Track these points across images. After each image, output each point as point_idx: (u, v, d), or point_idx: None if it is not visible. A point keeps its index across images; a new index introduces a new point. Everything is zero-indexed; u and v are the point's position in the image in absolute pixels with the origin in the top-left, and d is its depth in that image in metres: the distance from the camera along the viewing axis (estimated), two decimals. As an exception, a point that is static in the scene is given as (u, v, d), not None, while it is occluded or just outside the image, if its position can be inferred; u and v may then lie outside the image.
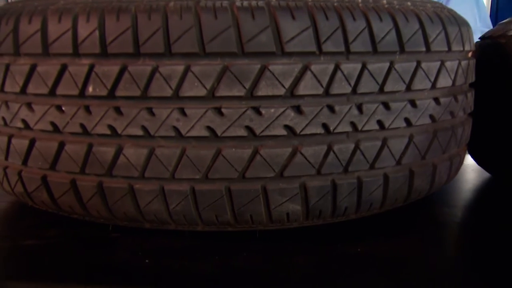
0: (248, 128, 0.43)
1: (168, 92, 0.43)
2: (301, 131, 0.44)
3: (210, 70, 0.42)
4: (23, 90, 0.48)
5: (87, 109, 0.45)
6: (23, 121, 0.49)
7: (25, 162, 0.50)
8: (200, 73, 0.42)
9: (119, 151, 0.45)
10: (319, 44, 0.43)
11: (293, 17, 0.43)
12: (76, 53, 0.44)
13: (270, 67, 0.43)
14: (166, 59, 0.43)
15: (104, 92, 0.44)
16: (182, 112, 0.43)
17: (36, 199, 0.52)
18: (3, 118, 0.50)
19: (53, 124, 0.47)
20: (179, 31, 0.42)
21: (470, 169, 0.79)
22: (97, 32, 0.43)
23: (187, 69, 0.43)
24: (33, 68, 0.47)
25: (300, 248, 0.48)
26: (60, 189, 0.48)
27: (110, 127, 0.45)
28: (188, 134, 0.43)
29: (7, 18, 0.48)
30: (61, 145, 0.47)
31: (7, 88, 0.49)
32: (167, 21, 0.42)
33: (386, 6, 0.46)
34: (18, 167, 0.51)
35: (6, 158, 0.52)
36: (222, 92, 0.43)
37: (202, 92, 0.43)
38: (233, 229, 0.48)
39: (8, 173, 0.52)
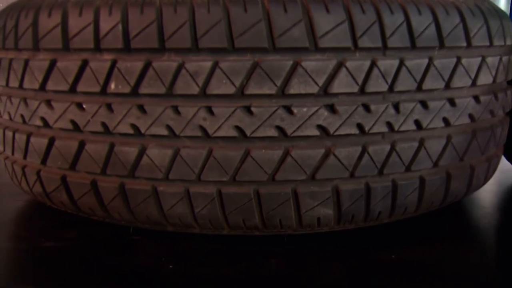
0: (278, 128, 0.41)
1: (195, 90, 0.41)
2: (334, 132, 0.41)
3: (239, 66, 0.40)
4: (43, 86, 0.46)
5: (109, 107, 0.43)
6: (42, 119, 0.47)
7: (44, 161, 0.48)
8: (229, 70, 0.40)
9: (142, 152, 0.43)
10: (354, 39, 0.41)
11: (328, 11, 0.40)
12: (97, 48, 0.42)
13: (303, 64, 0.40)
14: (192, 54, 0.40)
15: (127, 89, 0.42)
16: (210, 111, 0.41)
17: (55, 200, 0.50)
18: (22, 116, 0.49)
19: (73, 122, 0.45)
20: (206, 25, 0.40)
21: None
22: (120, 26, 0.41)
23: (215, 66, 0.40)
24: (52, 64, 0.45)
25: (330, 254, 0.46)
26: (80, 190, 0.47)
27: (133, 126, 0.42)
28: (215, 134, 0.41)
29: (27, 11, 0.46)
30: (82, 145, 0.45)
31: (26, 84, 0.47)
32: (194, 15, 0.40)
33: (425, -2, 0.43)
34: (37, 167, 0.49)
35: (25, 157, 0.50)
36: (251, 90, 0.40)
37: (231, 89, 0.40)
38: (260, 233, 0.46)
39: (27, 172, 0.51)
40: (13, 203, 0.62)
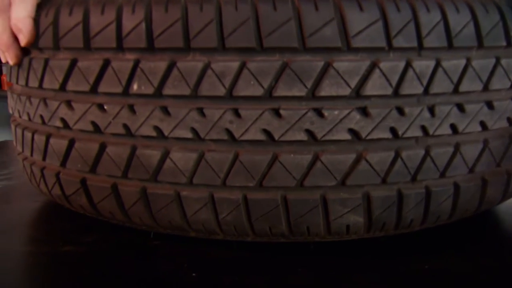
0: (308, 131, 0.39)
1: (221, 91, 0.39)
2: (366, 136, 0.39)
3: (267, 67, 0.38)
4: (63, 87, 0.44)
5: (131, 108, 0.41)
6: (62, 120, 0.45)
7: (63, 163, 0.47)
8: (257, 70, 0.38)
9: (165, 155, 0.41)
10: (389, 39, 0.39)
11: (361, 9, 0.38)
12: (120, 47, 0.41)
13: (335, 64, 0.38)
14: (219, 54, 0.39)
15: (150, 90, 0.40)
16: (236, 113, 0.39)
17: (74, 203, 0.49)
18: (41, 116, 0.47)
19: (94, 124, 0.43)
20: (234, 24, 0.38)
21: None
22: (143, 25, 0.40)
23: (242, 66, 0.38)
24: (73, 64, 0.43)
25: (360, 264, 0.44)
26: (100, 193, 0.45)
27: (156, 128, 0.41)
28: (242, 138, 0.39)
29: (47, 9, 0.45)
30: (102, 147, 0.43)
31: (46, 84, 0.46)
32: (220, 13, 0.38)
33: (463, -5, 0.41)
34: (56, 169, 0.48)
35: (44, 159, 0.49)
36: (280, 91, 0.39)
37: (259, 91, 0.39)
38: (285, 240, 0.44)
39: (46, 174, 0.49)
40: (30, 204, 0.61)
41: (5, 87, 2.82)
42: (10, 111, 0.56)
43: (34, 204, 0.60)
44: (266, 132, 0.39)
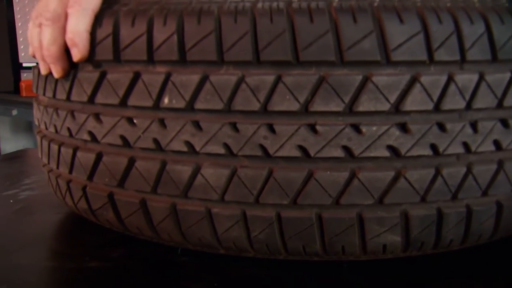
0: (345, 148, 0.38)
1: (255, 106, 0.38)
2: (406, 153, 0.38)
3: (304, 81, 0.37)
4: (91, 99, 0.44)
5: (162, 122, 0.40)
6: (90, 133, 0.44)
7: (90, 177, 0.46)
8: (293, 85, 0.37)
9: (196, 171, 0.40)
10: (430, 52, 0.37)
11: (401, 20, 0.37)
12: (151, 60, 0.40)
13: (374, 79, 0.37)
14: (253, 68, 0.38)
15: (181, 104, 0.39)
16: (271, 128, 0.38)
17: (100, 217, 0.48)
18: (68, 129, 0.47)
19: (123, 138, 0.42)
20: (269, 36, 0.37)
21: None
22: (175, 37, 0.39)
23: (277, 80, 0.37)
24: (102, 76, 0.42)
25: (395, 284, 0.42)
26: (128, 209, 0.44)
27: (187, 143, 0.40)
28: (276, 154, 0.38)
29: (75, 21, 0.44)
30: (131, 161, 0.42)
31: (74, 96, 0.45)
32: (255, 25, 0.37)
33: (507, 5, 0.39)
34: (82, 182, 0.47)
35: (70, 172, 0.48)
36: (317, 106, 0.37)
37: (295, 106, 0.37)
38: (319, 259, 0.43)
39: (72, 187, 0.49)
40: (53, 215, 0.60)
41: (23, 93, 2.85)
42: (36, 122, 0.55)
43: (57, 216, 0.59)
44: (301, 148, 0.38)
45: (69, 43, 0.43)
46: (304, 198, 0.39)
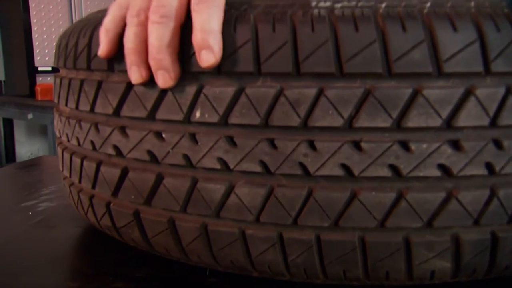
0: (392, 167, 0.35)
1: (295, 121, 0.35)
2: (458, 172, 0.35)
3: (348, 94, 0.34)
4: (117, 112, 0.41)
5: (193, 137, 0.38)
6: (115, 147, 0.42)
7: (115, 193, 0.43)
8: (336, 98, 0.34)
9: (230, 190, 0.37)
10: (486, 63, 0.34)
11: (455, 29, 0.34)
12: (182, 70, 0.37)
13: (424, 92, 0.34)
14: (293, 80, 0.35)
15: (214, 119, 0.37)
16: (312, 145, 0.35)
17: (125, 236, 0.45)
18: (92, 142, 0.44)
19: (150, 153, 0.40)
20: (310, 46, 0.34)
21: None
22: (208, 47, 0.36)
23: (319, 93, 0.34)
24: (129, 87, 0.40)
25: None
26: (155, 228, 0.42)
27: (220, 160, 0.37)
28: (317, 173, 0.35)
29: (92, 28, 0.42)
30: (159, 178, 0.40)
31: (98, 108, 0.43)
32: (295, 34, 0.35)
33: None
34: (106, 198, 0.45)
35: (93, 187, 0.45)
36: (362, 122, 0.34)
37: (338, 121, 0.34)
38: (359, 284, 0.40)
39: (95, 203, 0.46)
40: (72, 229, 0.58)
41: (39, 97, 2.85)
42: (57, 133, 0.53)
43: (77, 230, 0.57)
44: (344, 167, 0.35)
45: (199, 45, 0.35)
46: (346, 220, 0.36)
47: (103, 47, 0.40)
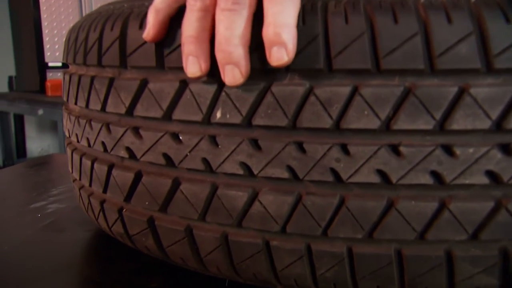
0: (434, 174, 0.31)
1: (327, 122, 0.32)
2: (509, 180, 0.31)
3: (386, 93, 0.31)
4: (130, 111, 0.38)
5: (213, 140, 0.35)
6: (128, 149, 0.39)
7: (128, 198, 0.40)
8: (372, 98, 0.31)
9: (253, 197, 0.34)
10: (541, 58, 0.30)
11: (507, 20, 0.30)
12: (201, 67, 0.34)
13: (472, 91, 0.30)
14: (324, 77, 0.32)
15: (237, 119, 0.33)
16: (344, 149, 0.32)
17: (138, 244, 0.42)
18: (103, 144, 0.41)
19: (166, 156, 0.37)
20: (344, 40, 0.31)
21: None
22: (230, 41, 0.33)
23: (353, 92, 0.31)
24: (143, 85, 0.37)
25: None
26: (171, 236, 0.39)
27: (243, 165, 0.34)
28: (350, 180, 0.32)
29: (112, 22, 0.39)
30: (176, 184, 0.37)
31: (110, 108, 0.40)
32: (327, 27, 0.31)
33: None
34: (118, 203, 0.42)
35: (105, 191, 0.43)
36: (401, 124, 0.31)
37: (374, 123, 0.31)
38: (392, 299, 0.36)
39: (106, 208, 0.43)
40: (82, 233, 0.55)
41: (49, 93, 2.84)
42: (66, 133, 0.50)
43: (87, 234, 0.54)
44: (381, 173, 0.32)
45: (271, 40, 0.30)
46: (382, 232, 0.33)
47: (151, 29, 0.34)
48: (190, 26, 0.32)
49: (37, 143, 3.36)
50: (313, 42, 0.31)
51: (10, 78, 3.14)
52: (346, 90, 0.31)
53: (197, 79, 0.34)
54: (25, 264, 0.47)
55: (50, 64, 2.96)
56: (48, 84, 2.85)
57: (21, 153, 3.23)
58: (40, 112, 2.65)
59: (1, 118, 3.05)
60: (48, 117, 2.73)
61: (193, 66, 0.33)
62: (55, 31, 2.97)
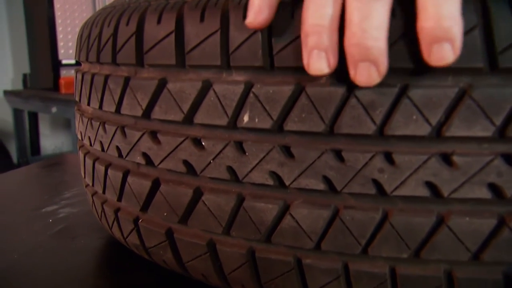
0: (492, 187, 0.28)
1: (369, 128, 0.28)
2: None
3: (438, 95, 0.27)
4: (147, 113, 0.35)
5: (240, 146, 0.31)
6: (145, 155, 0.36)
7: (144, 208, 0.37)
8: (422, 100, 0.27)
9: (284, 210, 0.31)
10: None
11: None
12: (226, 65, 0.31)
13: (538, 92, 0.27)
14: (367, 77, 0.28)
15: (266, 124, 0.30)
16: (389, 159, 0.28)
17: (156, 257, 0.39)
18: (118, 148, 0.38)
19: (186, 163, 0.33)
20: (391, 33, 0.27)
21: None
22: (258, 35, 0.29)
23: (400, 94, 0.27)
24: (162, 85, 0.34)
25: None
26: (192, 251, 0.35)
27: (273, 174, 0.30)
28: (395, 193, 0.28)
29: (128, 16, 0.36)
30: (198, 194, 0.34)
31: (125, 109, 0.37)
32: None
33: None
34: (134, 213, 0.39)
35: (119, 199, 0.39)
36: (455, 130, 0.27)
37: (424, 129, 0.27)
38: (437, 324, 0.33)
39: (121, 218, 0.40)
40: (94, 241, 0.52)
41: (63, 90, 2.84)
42: (79, 136, 0.47)
43: (100, 243, 0.51)
44: (430, 185, 0.28)
45: (434, 36, 0.25)
46: (430, 251, 0.29)
47: (259, 13, 0.28)
48: (317, 12, 0.26)
49: (50, 141, 3.36)
50: (355, 37, 0.27)
51: (25, 75, 3.14)
52: (392, 91, 0.27)
53: (319, 78, 0.29)
54: (35, 274, 0.44)
55: (63, 62, 2.95)
56: (61, 81, 2.84)
57: (35, 151, 3.23)
58: (54, 109, 2.64)
59: (16, 116, 3.05)
60: (62, 115, 2.72)
61: (320, 61, 0.27)
62: (69, 28, 2.96)
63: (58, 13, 2.95)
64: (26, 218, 0.60)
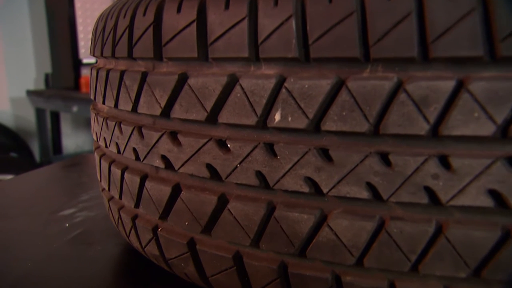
0: None
1: (421, 128, 0.24)
2: None
3: (504, 89, 0.23)
4: (166, 112, 0.32)
5: (270, 149, 0.28)
6: (164, 158, 0.33)
7: (164, 216, 0.34)
8: (484, 95, 0.23)
9: (321, 221, 0.27)
10: None
11: None
12: (254, 58, 0.27)
13: None
14: (418, 68, 0.24)
15: (301, 124, 0.26)
16: (445, 163, 0.24)
17: (177, 269, 0.36)
18: (135, 150, 0.35)
19: (210, 168, 0.30)
20: (445, 21, 0.23)
21: None
22: (292, 22, 0.26)
23: (458, 87, 0.24)
24: (182, 80, 0.30)
25: None
26: (217, 264, 0.32)
27: (309, 181, 0.27)
28: (451, 202, 0.24)
29: (145, 5, 0.32)
30: (223, 202, 0.30)
31: (142, 108, 0.33)
32: (421, 3, 0.24)
33: None
34: (153, 221, 0.36)
35: (137, 206, 0.36)
36: (525, 129, 0.23)
37: (486, 129, 0.23)
38: None
39: (138, 226, 0.37)
40: (110, 248, 0.49)
41: (83, 90, 2.84)
42: (94, 137, 0.44)
43: (117, 249, 0.49)
44: (494, 194, 0.24)
45: None
46: (494, 270, 0.25)
47: None
48: None
49: (72, 140, 3.37)
50: (401, 24, 0.24)
51: (47, 75, 3.16)
52: (448, 84, 0.24)
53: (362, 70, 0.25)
54: (49, 284, 0.42)
55: (84, 61, 2.96)
56: (82, 80, 2.85)
57: (57, 150, 3.25)
58: (75, 109, 2.65)
59: (38, 115, 3.07)
60: (83, 114, 2.73)
61: None
62: (89, 28, 2.97)
63: (78, 12, 2.96)
64: (43, 222, 0.58)
